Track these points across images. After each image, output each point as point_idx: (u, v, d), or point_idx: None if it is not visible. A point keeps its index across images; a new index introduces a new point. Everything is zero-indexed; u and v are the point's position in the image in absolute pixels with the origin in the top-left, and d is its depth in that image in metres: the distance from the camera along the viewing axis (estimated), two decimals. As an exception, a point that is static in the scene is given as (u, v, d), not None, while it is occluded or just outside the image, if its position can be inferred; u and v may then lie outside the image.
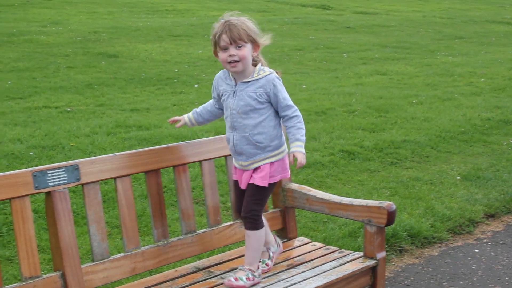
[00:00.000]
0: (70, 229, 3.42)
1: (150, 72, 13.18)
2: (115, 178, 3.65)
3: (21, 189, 3.30)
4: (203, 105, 4.05)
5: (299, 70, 14.12)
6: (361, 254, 4.12)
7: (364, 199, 5.87)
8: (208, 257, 4.25)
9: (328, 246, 4.33)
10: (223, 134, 4.02)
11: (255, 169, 3.76)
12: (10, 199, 3.28)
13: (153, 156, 3.81)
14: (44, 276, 3.36)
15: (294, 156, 3.66)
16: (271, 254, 4.01)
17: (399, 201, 6.44)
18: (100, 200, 3.58)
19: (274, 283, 3.75)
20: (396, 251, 5.57)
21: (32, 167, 3.57)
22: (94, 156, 6.98)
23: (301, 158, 3.65)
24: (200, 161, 4.04)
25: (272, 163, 3.76)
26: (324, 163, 7.51)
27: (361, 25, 21.83)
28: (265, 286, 3.70)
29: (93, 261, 3.55)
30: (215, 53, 3.75)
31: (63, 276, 3.39)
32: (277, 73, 3.78)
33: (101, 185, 4.69)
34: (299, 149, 3.67)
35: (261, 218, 3.80)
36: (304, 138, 3.72)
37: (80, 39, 16.94)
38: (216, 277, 3.84)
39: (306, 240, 4.43)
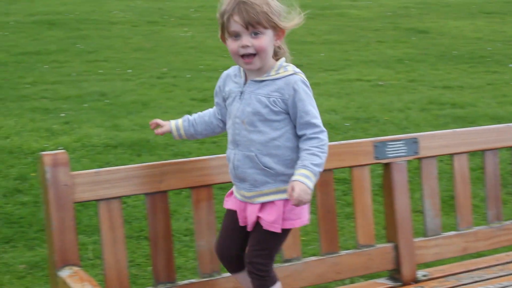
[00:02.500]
0: (406, 202, 3.42)
1: (461, 49, 12.84)
2: (452, 155, 3.58)
3: (362, 158, 3.35)
4: (200, 112, 2.98)
5: None
6: None
7: None
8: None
9: None
10: None
11: (263, 205, 2.75)
12: (351, 167, 3.34)
13: (490, 134, 3.68)
14: (378, 245, 3.39)
15: (292, 186, 2.59)
16: None
17: None
18: (436, 175, 3.53)
19: None
20: None
21: (347, 139, 3.60)
22: (408, 131, 6.97)
23: (300, 192, 2.57)
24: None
25: (287, 200, 2.69)
26: None
27: None
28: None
29: (425, 236, 3.51)
30: (222, 38, 2.72)
31: (396, 248, 3.39)
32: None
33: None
34: (300, 179, 2.58)
35: (272, 273, 2.80)
36: (316, 169, 2.61)
37: (389, 14, 17.01)
38: (552, 268, 3.63)
39: None
